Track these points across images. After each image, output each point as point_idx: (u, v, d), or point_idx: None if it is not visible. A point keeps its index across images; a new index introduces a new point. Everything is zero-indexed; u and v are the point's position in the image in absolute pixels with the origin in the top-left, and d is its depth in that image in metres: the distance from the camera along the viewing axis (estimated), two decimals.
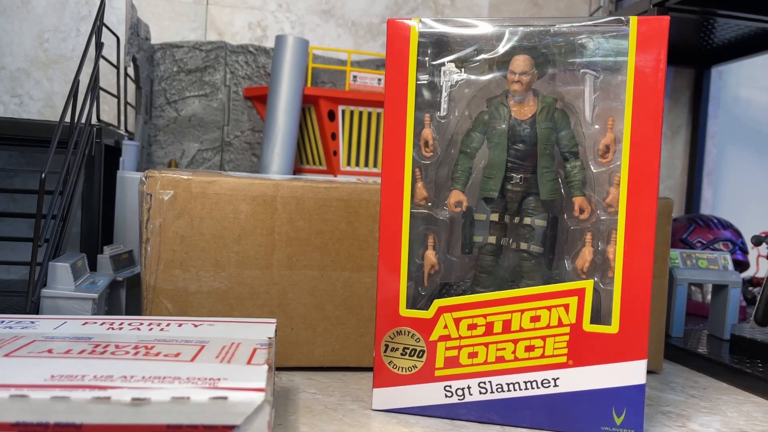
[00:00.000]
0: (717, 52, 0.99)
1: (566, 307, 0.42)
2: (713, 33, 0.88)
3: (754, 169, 1.14)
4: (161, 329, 0.42)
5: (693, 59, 1.05)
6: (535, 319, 0.42)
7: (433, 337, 0.44)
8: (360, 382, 0.52)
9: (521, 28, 0.42)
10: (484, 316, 0.43)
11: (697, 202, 1.09)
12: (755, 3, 0.77)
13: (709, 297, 0.85)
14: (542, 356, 0.42)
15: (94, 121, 0.67)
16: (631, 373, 0.41)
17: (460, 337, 0.43)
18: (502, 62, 0.43)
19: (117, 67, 0.79)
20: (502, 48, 0.43)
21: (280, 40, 0.84)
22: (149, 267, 0.51)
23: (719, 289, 0.69)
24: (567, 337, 0.42)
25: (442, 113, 0.44)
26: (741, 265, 0.89)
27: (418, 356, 0.44)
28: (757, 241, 0.76)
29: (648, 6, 0.78)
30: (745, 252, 0.90)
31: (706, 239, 0.89)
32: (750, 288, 0.89)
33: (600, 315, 0.42)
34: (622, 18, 0.41)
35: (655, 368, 0.59)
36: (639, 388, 0.41)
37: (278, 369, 0.54)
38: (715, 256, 0.71)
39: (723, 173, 1.13)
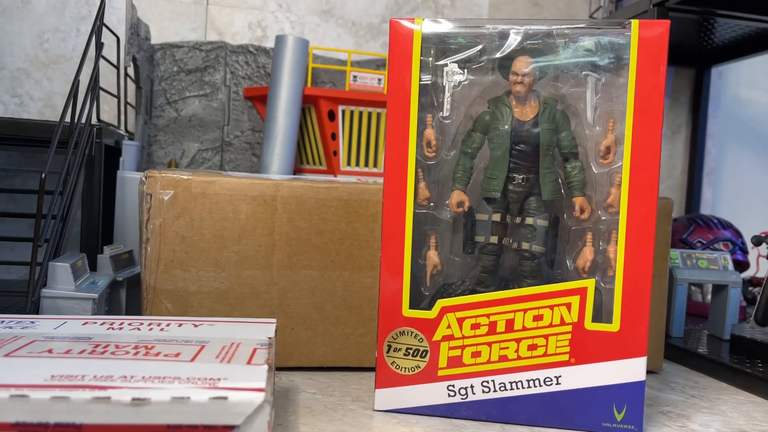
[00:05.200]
0: (717, 52, 0.99)
1: (568, 306, 0.42)
2: (713, 33, 0.88)
3: (754, 169, 1.14)
4: (161, 329, 0.42)
5: (693, 59, 1.05)
6: (538, 318, 0.43)
7: (437, 337, 0.44)
8: (360, 382, 0.52)
9: (523, 29, 0.43)
10: (488, 315, 0.43)
11: (697, 202, 1.09)
12: (755, 3, 0.77)
13: (709, 297, 0.85)
14: (545, 354, 0.43)
15: (94, 121, 0.67)
16: (632, 369, 0.42)
17: (464, 337, 0.43)
18: (505, 63, 0.43)
19: (117, 67, 0.79)
20: (505, 49, 0.43)
21: (280, 40, 0.84)
22: (149, 267, 0.51)
23: (719, 289, 0.69)
24: (569, 336, 0.42)
25: (445, 114, 0.44)
26: (741, 265, 0.89)
27: (421, 356, 0.44)
28: (757, 241, 0.76)
29: (648, 6, 0.78)
30: (745, 252, 0.90)
31: (706, 239, 0.89)
32: (750, 288, 0.89)
33: (601, 313, 0.43)
34: (624, 21, 0.41)
35: (655, 368, 0.59)
36: (639, 385, 0.42)
37: (278, 369, 0.54)
38: (715, 256, 0.71)
39: (723, 173, 1.13)
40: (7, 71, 0.87)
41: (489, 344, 0.43)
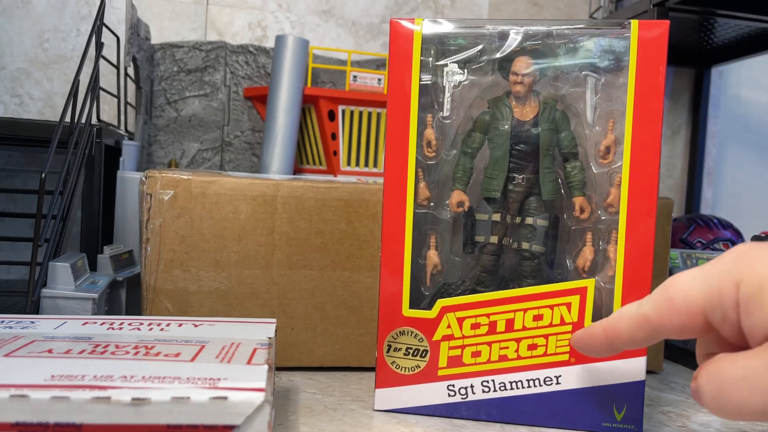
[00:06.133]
0: (717, 52, 0.99)
1: (568, 305, 0.42)
2: (713, 33, 0.88)
3: (754, 169, 1.14)
4: (161, 329, 0.42)
5: (693, 59, 1.05)
6: (538, 317, 0.43)
7: (437, 336, 0.44)
8: (360, 382, 0.52)
9: (523, 30, 0.43)
10: (488, 315, 0.43)
11: (697, 202, 1.09)
12: (755, 3, 0.77)
13: None
14: (545, 354, 0.43)
15: (94, 121, 0.67)
16: (631, 369, 0.42)
17: (464, 337, 0.43)
18: (505, 63, 0.43)
19: (117, 67, 0.79)
20: (505, 49, 0.43)
21: (280, 40, 0.84)
22: (149, 267, 0.51)
23: None
24: (569, 336, 0.42)
25: (445, 114, 0.44)
26: None
27: (421, 356, 0.44)
28: (758, 241, 0.76)
29: (648, 6, 0.78)
30: None
31: (706, 239, 0.89)
32: None
33: (601, 313, 0.43)
34: (624, 21, 0.41)
35: (655, 368, 0.59)
36: (639, 385, 0.42)
37: (278, 369, 0.54)
38: (715, 256, 0.71)
39: (723, 173, 1.13)
40: (7, 71, 0.87)
41: (489, 344, 0.43)
